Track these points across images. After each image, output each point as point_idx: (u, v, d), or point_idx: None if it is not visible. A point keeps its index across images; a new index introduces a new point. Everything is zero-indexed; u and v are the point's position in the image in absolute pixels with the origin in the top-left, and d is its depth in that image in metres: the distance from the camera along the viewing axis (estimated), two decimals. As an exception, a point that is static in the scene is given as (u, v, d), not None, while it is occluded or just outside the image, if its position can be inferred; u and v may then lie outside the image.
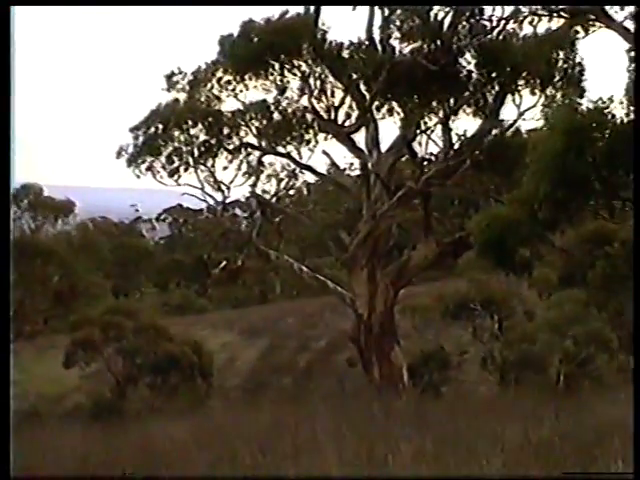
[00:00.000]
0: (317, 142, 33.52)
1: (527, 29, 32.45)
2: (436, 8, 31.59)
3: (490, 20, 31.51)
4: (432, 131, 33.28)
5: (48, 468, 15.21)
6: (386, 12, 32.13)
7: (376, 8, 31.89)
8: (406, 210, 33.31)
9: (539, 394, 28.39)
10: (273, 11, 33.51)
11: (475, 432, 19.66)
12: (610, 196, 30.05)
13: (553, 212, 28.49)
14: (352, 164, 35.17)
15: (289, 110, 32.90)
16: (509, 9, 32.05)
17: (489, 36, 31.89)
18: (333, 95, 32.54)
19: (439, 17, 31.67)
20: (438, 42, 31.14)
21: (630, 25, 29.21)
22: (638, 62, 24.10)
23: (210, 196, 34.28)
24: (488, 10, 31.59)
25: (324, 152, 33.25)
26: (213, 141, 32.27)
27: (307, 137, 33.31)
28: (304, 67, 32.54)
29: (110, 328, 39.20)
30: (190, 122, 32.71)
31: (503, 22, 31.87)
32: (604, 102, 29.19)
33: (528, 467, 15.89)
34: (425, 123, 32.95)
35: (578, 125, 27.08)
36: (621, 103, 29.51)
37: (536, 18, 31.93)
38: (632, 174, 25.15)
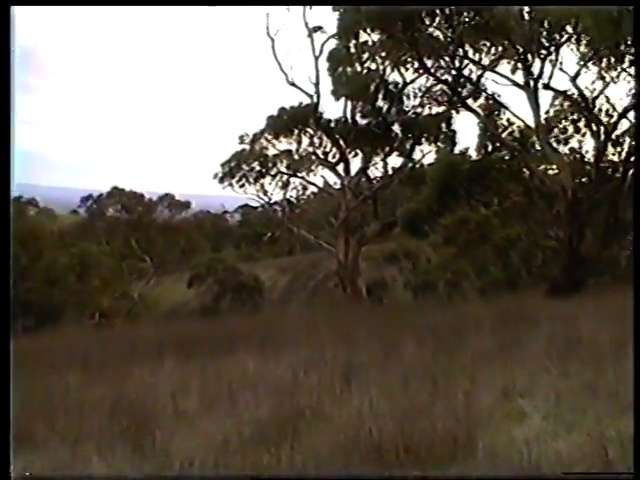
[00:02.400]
0: (317, 170, 39.22)
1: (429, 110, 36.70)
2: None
3: (405, 111, 35.91)
4: (376, 164, 38.44)
5: (182, 334, 19.33)
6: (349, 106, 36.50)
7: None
8: (364, 206, 38.28)
9: (432, 299, 34.69)
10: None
11: (396, 317, 26.69)
12: (469, 199, 37.49)
13: (440, 207, 33.76)
14: (335, 182, 39.23)
15: (303, 154, 38.22)
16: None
17: (407, 115, 35.68)
18: (326, 146, 37.88)
19: (380, 105, 35.91)
20: (380, 119, 35.77)
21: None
22: (638, 62, 22.48)
23: (262, 199, 40.15)
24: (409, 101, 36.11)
25: (322, 176, 39.20)
26: (263, 170, 38.18)
27: (312, 168, 38.89)
28: (311, 132, 37.58)
29: (210, 268, 46.73)
30: (251, 160, 38.37)
31: (415, 109, 35.76)
32: (464, 151, 36.61)
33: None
34: (374, 160, 38.24)
35: (452, 161, 33.20)
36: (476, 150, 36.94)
37: (434, 102, 35.83)
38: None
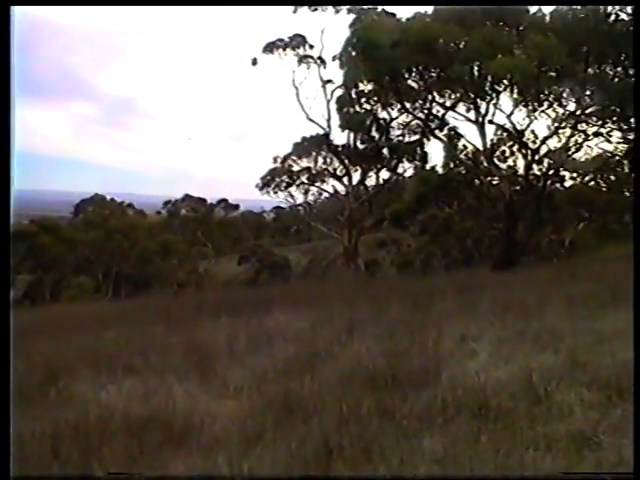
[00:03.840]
0: (328, 181, 38.66)
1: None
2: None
3: (391, 139, 35.69)
4: (371, 177, 37.94)
5: (233, 298, 19.42)
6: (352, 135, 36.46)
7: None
8: (362, 207, 37.88)
9: (411, 274, 35.23)
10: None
11: (386, 286, 26.92)
12: (437, 202, 37.90)
13: (416, 207, 33.04)
14: (342, 190, 38.71)
15: (318, 170, 38.12)
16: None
17: (392, 142, 35.61)
18: (335, 164, 37.84)
19: (374, 134, 35.61)
20: (374, 145, 35.66)
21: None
22: (638, 62, 20.32)
23: (289, 202, 40.13)
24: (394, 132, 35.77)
25: (332, 185, 38.81)
26: (290, 181, 38.02)
27: (325, 179, 38.67)
28: (324, 154, 37.56)
29: (253, 251, 47.40)
30: (281, 174, 38.11)
31: (398, 137, 35.71)
32: (433, 167, 36.88)
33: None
34: (369, 174, 37.75)
35: (424, 175, 32.97)
36: (442, 167, 37.42)
37: (412, 133, 35.42)
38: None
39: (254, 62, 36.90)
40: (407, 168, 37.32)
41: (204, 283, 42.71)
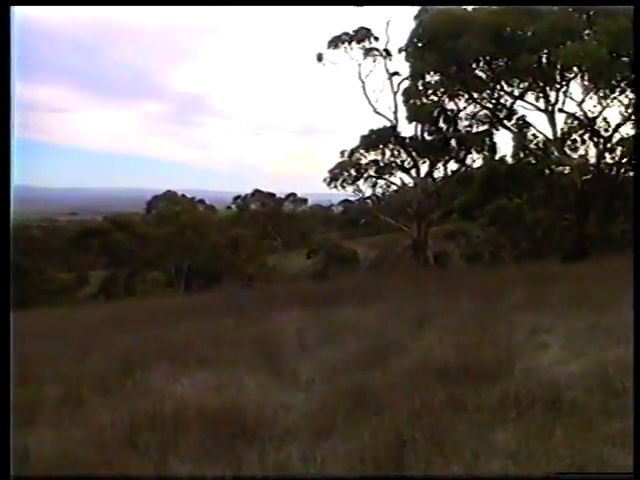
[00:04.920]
0: (396, 174, 37.38)
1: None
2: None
3: (459, 130, 34.69)
4: (439, 168, 36.99)
5: (302, 291, 20.09)
6: (419, 127, 35.66)
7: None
8: (430, 199, 36.76)
9: (480, 265, 34.92)
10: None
11: (455, 278, 26.68)
12: (506, 192, 37.22)
13: (485, 198, 33.18)
14: (410, 182, 37.80)
15: (386, 162, 36.82)
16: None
17: (460, 133, 34.63)
18: (402, 156, 36.60)
19: (441, 126, 34.81)
20: (441, 136, 34.85)
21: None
22: (637, 62, 20.58)
23: (357, 195, 39.12)
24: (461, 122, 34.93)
25: (400, 178, 37.77)
26: (358, 175, 37.11)
27: (393, 172, 37.49)
28: (391, 147, 36.23)
29: (322, 245, 47.50)
30: (349, 167, 37.17)
31: (465, 128, 34.64)
32: (502, 157, 36.44)
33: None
34: (437, 165, 36.79)
35: (493, 166, 33.00)
36: (511, 157, 35.00)
37: (479, 123, 34.60)
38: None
39: (319, 57, 36.84)
40: (475, 159, 36.57)
41: (273, 277, 43.04)
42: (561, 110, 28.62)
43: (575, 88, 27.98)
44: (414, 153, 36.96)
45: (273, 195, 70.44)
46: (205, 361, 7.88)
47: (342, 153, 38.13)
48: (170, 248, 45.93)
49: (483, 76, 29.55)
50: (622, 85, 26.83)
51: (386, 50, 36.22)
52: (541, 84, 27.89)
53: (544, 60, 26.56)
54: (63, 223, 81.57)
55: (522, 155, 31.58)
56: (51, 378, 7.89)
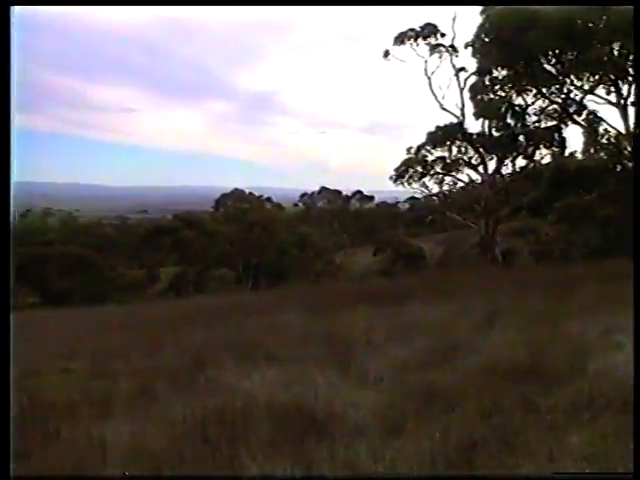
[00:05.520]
0: (463, 170, 37.20)
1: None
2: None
3: (527, 125, 34.12)
4: (507, 165, 36.24)
5: (370, 289, 20.24)
6: (486, 123, 35.15)
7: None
8: (498, 195, 36.21)
9: (550, 264, 32.72)
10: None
11: (524, 276, 26.26)
12: (576, 188, 36.83)
13: (554, 195, 33.19)
14: (477, 179, 37.56)
15: (453, 159, 36.62)
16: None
17: (528, 128, 34.11)
18: (469, 153, 36.32)
19: (509, 121, 34.18)
20: (509, 132, 34.22)
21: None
22: (638, 61, 20.82)
23: (424, 192, 38.82)
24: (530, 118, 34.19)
25: (467, 174, 37.55)
26: (424, 172, 36.81)
27: (460, 169, 37.25)
28: (458, 143, 36.04)
29: (388, 242, 47.44)
30: (415, 165, 36.86)
31: (534, 124, 34.14)
32: (572, 153, 36.03)
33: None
34: (505, 162, 36.12)
35: (562, 162, 32.72)
36: (581, 152, 36.50)
37: (548, 118, 33.92)
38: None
39: (386, 54, 36.75)
40: (544, 155, 35.92)
41: (340, 274, 43.10)
42: (633, 103, 27.74)
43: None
44: (481, 149, 36.59)
45: (340, 193, 70.57)
46: (274, 358, 7.90)
47: (408, 150, 37.93)
48: (238, 245, 46.47)
49: (552, 70, 29.08)
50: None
51: (452, 46, 35.95)
52: (612, 77, 27.26)
53: (616, 52, 25.92)
54: (134, 221, 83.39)
55: (593, 150, 31.21)
56: (125, 372, 8.02)
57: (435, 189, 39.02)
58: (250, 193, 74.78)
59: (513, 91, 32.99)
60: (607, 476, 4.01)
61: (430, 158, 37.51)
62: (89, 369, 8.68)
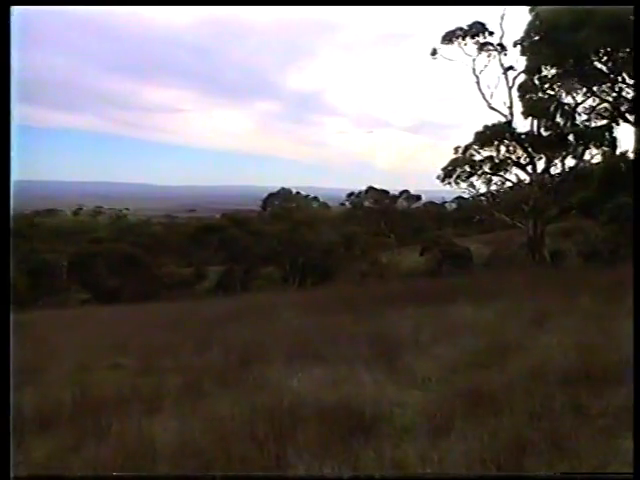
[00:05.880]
0: (511, 170, 36.65)
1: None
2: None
3: (577, 124, 33.88)
4: (556, 164, 35.90)
5: (416, 289, 19.98)
6: (535, 122, 34.78)
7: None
8: (547, 195, 35.54)
9: (599, 265, 35.55)
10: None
11: (573, 277, 25.96)
12: (627, 189, 36.03)
13: (604, 195, 34.27)
14: (525, 178, 37.13)
15: (501, 158, 36.15)
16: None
17: (578, 127, 33.84)
18: (518, 152, 35.88)
19: (558, 121, 34.03)
20: (558, 131, 34.05)
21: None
22: (637, 62, 20.53)
23: (471, 192, 38.72)
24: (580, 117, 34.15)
25: (515, 174, 37.08)
26: (472, 171, 36.64)
27: (508, 168, 36.70)
28: (507, 142, 35.72)
29: (435, 242, 47.12)
30: (463, 164, 36.61)
31: (584, 123, 34.03)
32: (623, 152, 35.46)
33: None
34: (554, 161, 35.81)
35: (613, 161, 32.47)
36: (632, 152, 35.77)
37: (599, 117, 33.83)
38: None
39: (433, 53, 36.55)
40: (594, 154, 35.51)
41: (386, 273, 42.89)
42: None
43: None
44: (530, 149, 36.08)
45: (386, 192, 70.26)
46: (321, 356, 7.90)
47: (456, 149, 37.65)
48: (285, 244, 46.61)
49: (603, 68, 28.76)
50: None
51: (501, 44, 35.31)
52: (666, 74, 26.50)
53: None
54: (182, 219, 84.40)
55: (645, 150, 30.14)
56: (173, 369, 8.15)
57: (483, 189, 38.67)
58: (297, 192, 74.95)
59: (562, 90, 32.64)
60: (607, 476, 3.98)
61: (478, 158, 37.18)
62: (138, 365, 8.77)
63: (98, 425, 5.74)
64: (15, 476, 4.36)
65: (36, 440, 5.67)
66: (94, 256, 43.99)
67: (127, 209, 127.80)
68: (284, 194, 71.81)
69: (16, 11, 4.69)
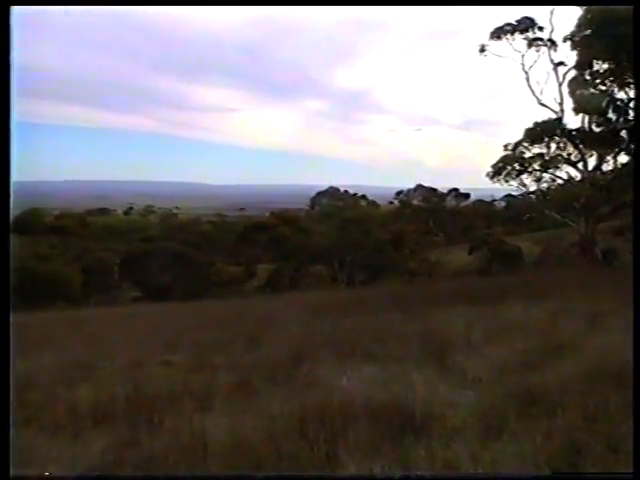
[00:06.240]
0: (562, 167, 35.88)
1: None
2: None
3: (630, 120, 32.38)
4: (608, 161, 35.31)
5: (466, 288, 19.93)
6: (586, 118, 34.39)
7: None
8: (599, 193, 34.77)
9: None
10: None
11: (627, 275, 25.67)
12: None
13: None
14: (576, 176, 36.56)
15: (552, 155, 35.54)
16: None
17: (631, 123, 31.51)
18: (569, 149, 35.26)
19: (610, 116, 33.20)
20: (611, 127, 33.33)
21: None
22: (638, 62, 19.92)
23: (521, 190, 37.61)
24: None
25: (566, 172, 36.41)
26: (522, 169, 35.90)
27: (559, 166, 36.00)
28: (557, 139, 35.17)
29: (484, 240, 46.62)
30: (513, 162, 36.01)
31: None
32: None
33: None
34: (606, 158, 35.25)
35: None
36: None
37: None
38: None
39: (482, 49, 36.25)
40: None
41: (435, 272, 42.67)
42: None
43: None
44: (581, 146, 35.48)
45: (435, 190, 69.91)
46: (371, 355, 7.89)
47: (505, 147, 37.05)
48: (333, 243, 46.65)
49: (658, 62, 27.78)
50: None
51: (550, 40, 35.00)
52: None
53: None
54: (232, 218, 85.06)
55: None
56: (224, 366, 8.19)
57: (533, 187, 37.88)
58: (345, 191, 74.92)
59: (615, 85, 32.05)
60: (607, 476, 3.95)
61: (528, 155, 36.63)
62: (189, 362, 8.83)
63: (151, 421, 5.81)
64: (15, 476, 4.39)
65: (92, 434, 5.75)
66: (145, 254, 44.64)
67: (177, 208, 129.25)
68: (332, 193, 71.89)
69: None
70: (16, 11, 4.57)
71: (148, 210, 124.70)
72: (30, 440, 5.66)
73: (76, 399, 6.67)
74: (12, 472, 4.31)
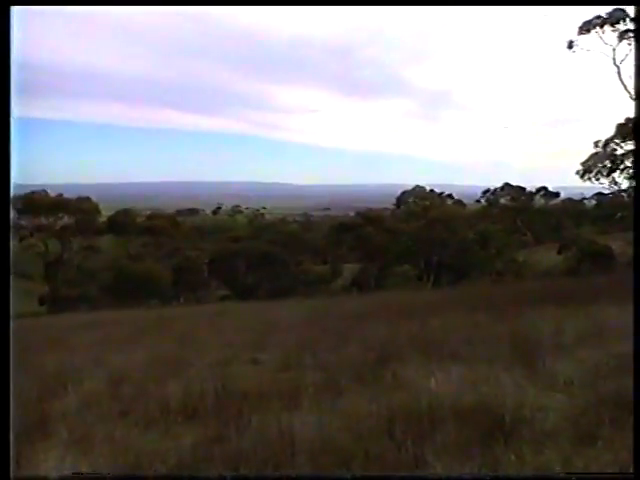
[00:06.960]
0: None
1: None
2: None
3: None
4: None
5: (555, 289, 19.71)
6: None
7: None
8: None
9: None
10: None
11: None
12: None
13: None
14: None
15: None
16: None
17: None
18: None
19: None
20: None
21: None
22: (638, 61, 19.67)
23: (613, 188, 35.70)
24: None
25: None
26: (613, 166, 33.78)
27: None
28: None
29: (574, 240, 45.27)
30: (604, 159, 33.91)
31: None
32: None
33: None
34: None
35: None
36: None
37: None
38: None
39: (570, 45, 35.14)
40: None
41: (523, 272, 41.79)
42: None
43: None
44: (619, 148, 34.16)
45: (523, 189, 68.57)
46: (458, 356, 7.76)
47: (596, 144, 35.67)
48: (419, 242, 46.40)
49: None
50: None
51: (643, 31, 33.68)
52: None
53: None
54: (318, 218, 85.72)
55: None
56: (311, 365, 8.19)
57: (625, 184, 36.12)
58: (431, 190, 74.31)
59: None
60: (607, 476, 3.88)
61: (620, 152, 35.26)
62: (277, 361, 8.86)
63: (239, 418, 5.87)
64: (15, 477, 4.37)
65: (182, 429, 5.86)
66: (233, 254, 45.42)
67: (264, 208, 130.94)
68: (418, 192, 71.36)
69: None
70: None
71: (235, 210, 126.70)
72: (124, 433, 5.79)
73: (167, 395, 6.83)
74: (12, 474, 4.28)
